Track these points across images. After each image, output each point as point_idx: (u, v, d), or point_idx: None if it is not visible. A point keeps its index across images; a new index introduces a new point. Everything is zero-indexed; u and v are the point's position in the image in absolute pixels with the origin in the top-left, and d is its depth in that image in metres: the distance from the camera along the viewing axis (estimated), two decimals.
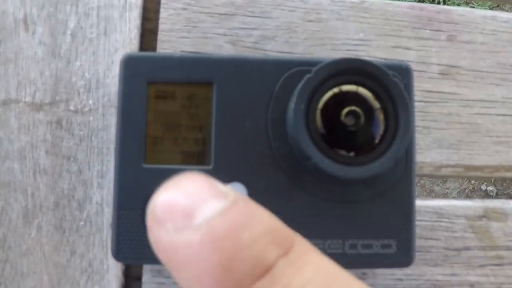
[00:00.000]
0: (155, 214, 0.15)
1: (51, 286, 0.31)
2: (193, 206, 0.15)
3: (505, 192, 1.16)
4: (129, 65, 0.27)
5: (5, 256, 0.31)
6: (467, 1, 1.19)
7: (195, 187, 0.15)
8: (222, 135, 0.27)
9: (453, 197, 1.14)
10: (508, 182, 1.16)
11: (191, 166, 0.27)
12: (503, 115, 0.35)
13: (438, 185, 1.12)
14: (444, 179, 1.15)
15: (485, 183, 1.16)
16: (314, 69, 0.25)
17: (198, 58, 0.28)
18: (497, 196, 1.16)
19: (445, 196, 1.14)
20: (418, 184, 1.13)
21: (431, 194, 1.14)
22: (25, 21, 0.33)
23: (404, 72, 0.28)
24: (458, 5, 1.25)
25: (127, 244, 0.27)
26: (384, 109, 0.26)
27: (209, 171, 0.27)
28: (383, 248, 0.27)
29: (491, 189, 1.15)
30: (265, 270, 0.14)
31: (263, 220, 0.15)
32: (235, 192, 0.16)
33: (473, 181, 1.15)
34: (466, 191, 1.14)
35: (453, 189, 1.14)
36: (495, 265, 0.33)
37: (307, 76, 0.25)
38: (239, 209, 0.15)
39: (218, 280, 0.14)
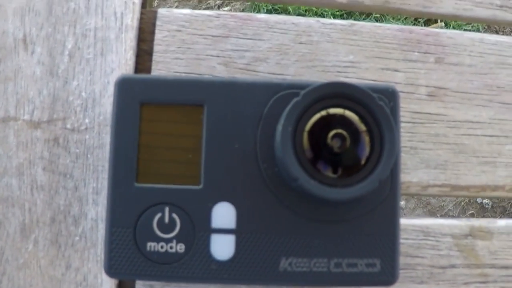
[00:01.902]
0: None
1: None
2: None
3: (501, 205, 1.16)
4: (123, 86, 0.28)
5: (2, 269, 0.32)
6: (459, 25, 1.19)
7: None
8: (212, 155, 0.28)
9: (449, 210, 1.15)
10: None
11: (181, 185, 0.28)
12: (490, 136, 0.36)
13: (434, 198, 1.13)
14: None
15: None
16: (302, 92, 0.26)
17: (189, 80, 0.29)
18: (493, 208, 1.16)
19: (441, 208, 1.15)
20: (415, 197, 1.14)
21: (427, 206, 1.14)
22: (24, 41, 0.34)
23: (390, 95, 0.29)
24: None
25: (119, 260, 0.27)
26: (370, 131, 0.27)
27: (198, 191, 0.28)
28: (367, 267, 0.28)
29: (486, 201, 1.16)
30: None
31: None
32: None
33: None
34: (462, 203, 1.15)
35: (449, 201, 1.14)
36: (480, 282, 0.34)
37: (295, 99, 0.26)
38: None
39: None
